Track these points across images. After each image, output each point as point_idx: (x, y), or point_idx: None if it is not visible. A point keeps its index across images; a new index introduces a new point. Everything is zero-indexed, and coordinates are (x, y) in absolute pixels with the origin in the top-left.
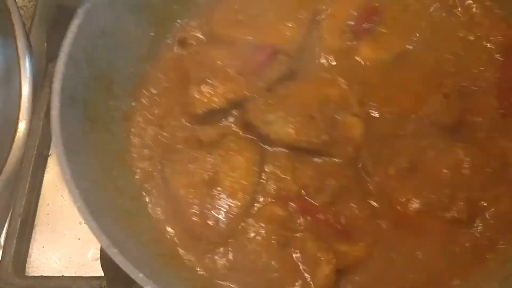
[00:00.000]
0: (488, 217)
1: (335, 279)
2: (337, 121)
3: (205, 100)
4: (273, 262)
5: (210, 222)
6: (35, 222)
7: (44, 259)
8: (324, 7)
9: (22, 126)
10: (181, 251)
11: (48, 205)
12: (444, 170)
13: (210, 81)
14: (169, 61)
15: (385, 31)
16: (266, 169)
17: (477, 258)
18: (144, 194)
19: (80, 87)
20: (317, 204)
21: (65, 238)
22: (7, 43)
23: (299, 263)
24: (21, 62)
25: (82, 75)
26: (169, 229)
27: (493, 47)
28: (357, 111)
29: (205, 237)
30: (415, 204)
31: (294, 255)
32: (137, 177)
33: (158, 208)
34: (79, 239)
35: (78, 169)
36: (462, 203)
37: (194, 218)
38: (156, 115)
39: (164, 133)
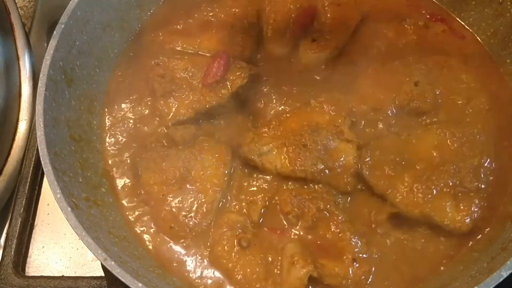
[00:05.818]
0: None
1: (306, 284)
2: (330, 149)
3: (172, 113)
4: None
5: (181, 217)
6: (35, 222)
7: (44, 259)
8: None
9: (22, 126)
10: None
11: (48, 205)
12: (433, 152)
13: (175, 93)
14: (136, 72)
15: (323, 28)
16: (248, 197)
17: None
18: (131, 211)
19: (62, 108)
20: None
21: (65, 238)
22: (7, 43)
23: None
24: (21, 62)
25: (62, 95)
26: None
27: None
28: (349, 137)
29: (176, 231)
30: (422, 192)
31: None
32: (119, 188)
33: (144, 219)
34: (79, 239)
35: (68, 186)
36: (468, 172)
37: (165, 213)
38: (130, 120)
39: (138, 134)
